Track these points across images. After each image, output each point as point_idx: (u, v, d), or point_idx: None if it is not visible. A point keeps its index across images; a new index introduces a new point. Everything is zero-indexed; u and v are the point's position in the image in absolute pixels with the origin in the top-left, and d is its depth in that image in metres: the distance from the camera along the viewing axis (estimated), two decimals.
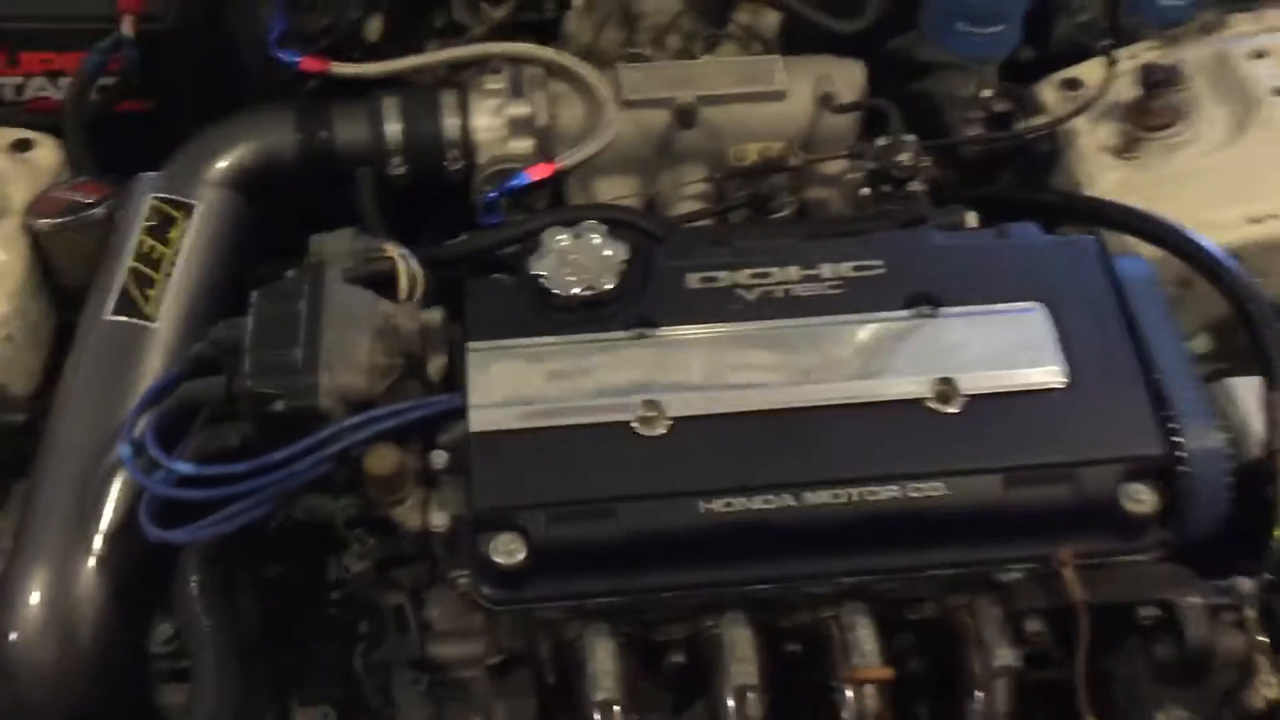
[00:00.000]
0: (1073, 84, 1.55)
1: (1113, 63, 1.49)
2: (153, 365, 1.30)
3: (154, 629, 1.25)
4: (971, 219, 1.34)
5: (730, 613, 1.12)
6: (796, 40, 1.72)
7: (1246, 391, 1.22)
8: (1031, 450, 1.09)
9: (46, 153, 1.51)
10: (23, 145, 1.51)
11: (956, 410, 1.11)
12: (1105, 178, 1.46)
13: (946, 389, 1.11)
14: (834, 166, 1.51)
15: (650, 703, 1.16)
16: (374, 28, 1.56)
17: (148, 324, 1.32)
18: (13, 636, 1.18)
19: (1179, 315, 1.41)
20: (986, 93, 1.55)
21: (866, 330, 1.15)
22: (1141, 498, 1.08)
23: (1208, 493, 1.10)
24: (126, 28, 1.50)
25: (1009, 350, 1.14)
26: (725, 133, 1.51)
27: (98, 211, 1.42)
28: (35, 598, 1.20)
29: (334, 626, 1.31)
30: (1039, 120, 1.51)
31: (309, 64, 1.49)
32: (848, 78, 1.53)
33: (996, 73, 1.55)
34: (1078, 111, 1.49)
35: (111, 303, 1.33)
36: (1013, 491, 1.08)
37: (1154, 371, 1.14)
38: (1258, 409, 1.19)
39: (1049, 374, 1.13)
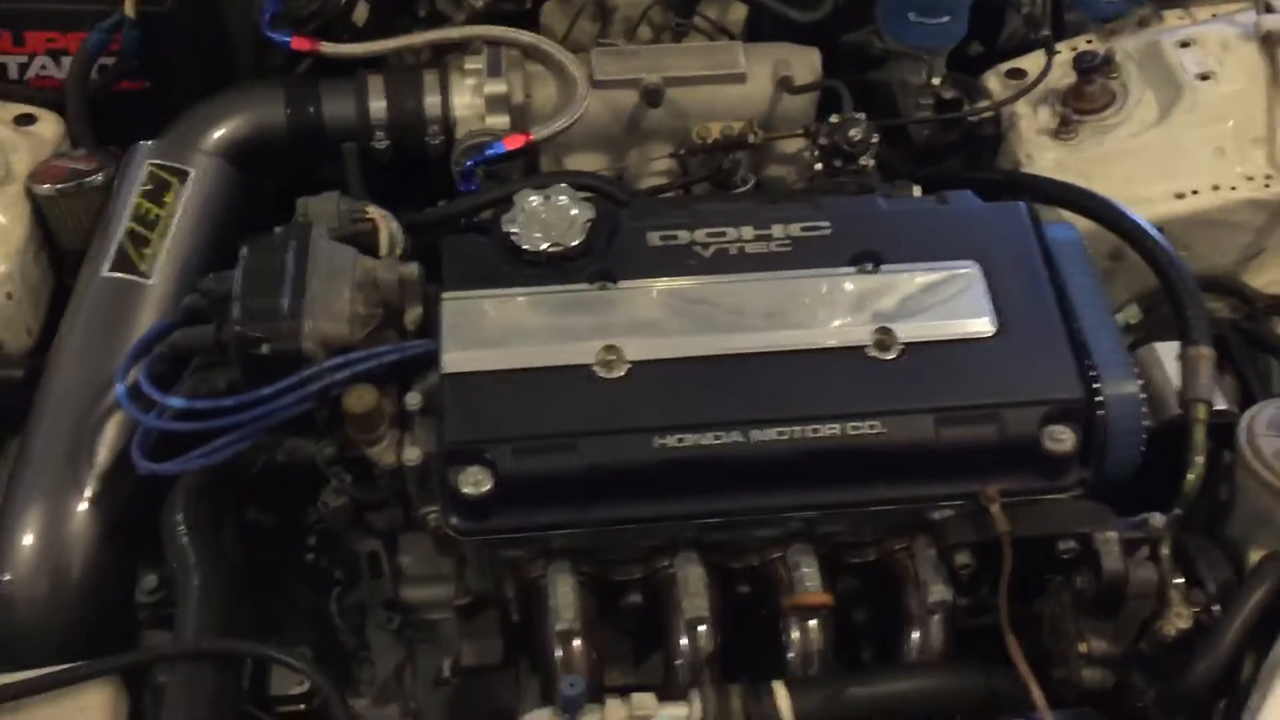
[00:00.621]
0: (1016, 73, 1.65)
1: (1050, 52, 1.58)
2: (147, 318, 1.38)
3: (140, 579, 1.30)
4: (917, 193, 1.44)
5: (684, 552, 1.21)
6: (761, 34, 1.82)
7: (1169, 355, 1.32)
8: (961, 393, 1.18)
9: (48, 126, 1.59)
10: (26, 119, 1.59)
11: (893, 357, 1.20)
12: (1044, 157, 1.56)
13: (885, 337, 1.20)
14: (791, 145, 1.61)
15: (612, 654, 1.24)
16: (361, 12, 1.65)
17: (143, 280, 1.40)
18: (6, 576, 1.25)
19: (1111, 286, 1.52)
20: (936, 81, 1.64)
21: (813, 284, 1.24)
22: (1062, 438, 1.17)
23: (1123, 434, 1.19)
24: (128, 9, 1.59)
25: (944, 303, 1.23)
26: (689, 112, 1.60)
27: (96, 178, 1.50)
28: (29, 538, 1.27)
29: (312, 572, 1.39)
30: (981, 106, 1.61)
31: (299, 44, 1.58)
32: (805, 62, 1.63)
33: (944, 62, 1.65)
34: (1016, 96, 1.59)
35: (109, 260, 1.41)
36: (943, 431, 1.17)
37: (1076, 324, 1.23)
38: (1178, 370, 1.29)
39: (979, 325, 1.22)
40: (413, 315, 1.28)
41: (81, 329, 1.38)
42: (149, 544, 1.28)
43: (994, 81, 1.67)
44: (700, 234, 1.28)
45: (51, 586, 1.27)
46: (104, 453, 1.30)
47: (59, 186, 1.49)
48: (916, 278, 1.24)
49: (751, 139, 1.56)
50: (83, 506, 1.28)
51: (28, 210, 1.50)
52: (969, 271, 1.25)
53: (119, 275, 1.40)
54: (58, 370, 1.36)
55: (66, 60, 1.63)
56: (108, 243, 1.42)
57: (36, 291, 1.50)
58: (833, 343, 1.21)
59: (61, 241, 1.53)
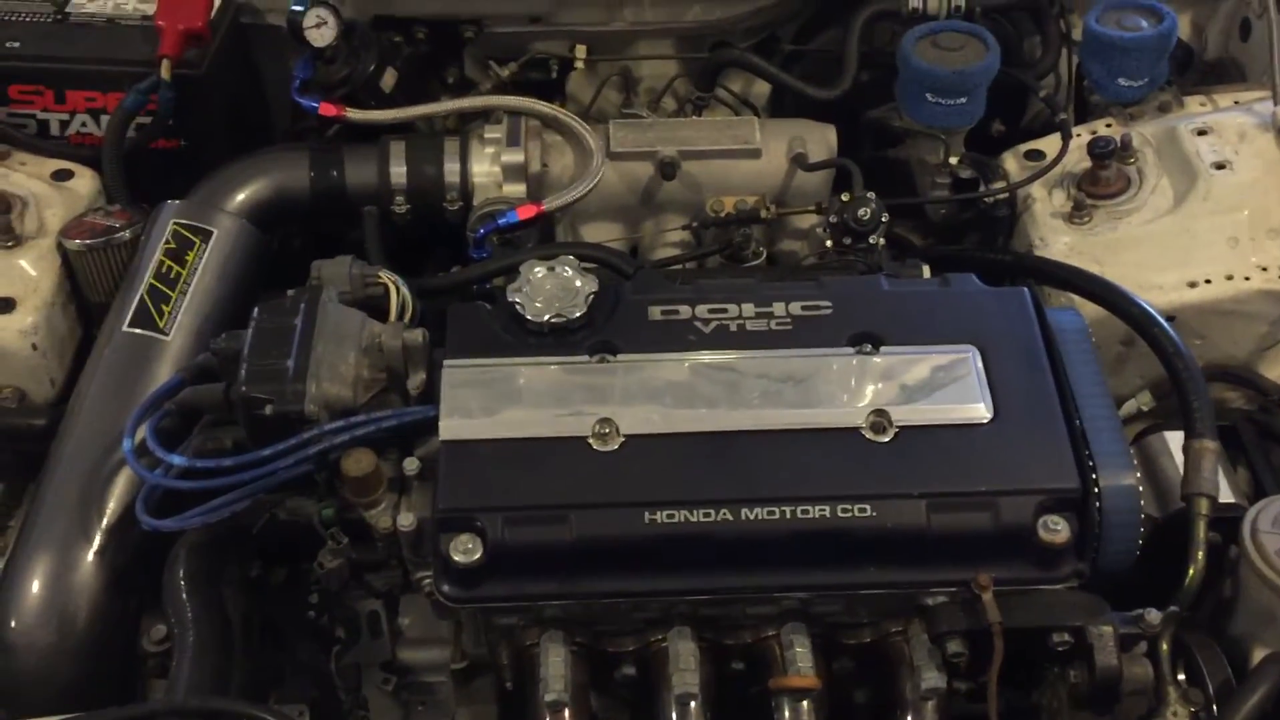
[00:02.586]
0: (1034, 155, 1.66)
1: (1066, 136, 1.58)
2: (162, 374, 1.41)
3: (149, 629, 1.32)
4: (926, 273, 1.44)
5: (677, 627, 1.20)
6: (784, 108, 1.85)
7: (1179, 444, 1.30)
8: (954, 479, 1.17)
9: (84, 183, 1.65)
10: (64, 175, 1.65)
11: (888, 440, 1.19)
12: (1057, 240, 1.56)
13: (880, 420, 1.20)
14: (804, 220, 1.62)
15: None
16: (389, 79, 1.69)
17: (161, 336, 1.44)
18: (13, 622, 1.28)
19: (1124, 372, 1.51)
20: (953, 160, 1.65)
21: (811, 363, 1.25)
22: (1057, 528, 1.15)
23: (1120, 527, 1.17)
24: (164, 72, 1.64)
25: (941, 387, 1.23)
26: (704, 185, 1.62)
27: (125, 234, 1.55)
28: (36, 586, 1.29)
29: (314, 629, 1.40)
30: (997, 187, 1.61)
31: (326, 109, 1.62)
32: (820, 139, 1.64)
33: (962, 141, 1.66)
34: (1031, 179, 1.59)
35: (129, 316, 1.45)
36: (936, 516, 1.16)
37: (1076, 412, 1.22)
38: None
39: (976, 410, 1.21)
40: (416, 381, 1.30)
41: (99, 382, 1.41)
42: (157, 595, 1.30)
43: (1012, 162, 1.67)
44: (701, 310, 1.29)
45: (56, 635, 1.29)
46: (113, 505, 1.33)
47: (88, 242, 1.54)
48: (915, 360, 1.24)
49: (764, 214, 1.58)
50: (90, 557, 1.31)
51: (57, 264, 1.55)
52: (968, 356, 1.24)
53: (138, 331, 1.44)
54: (74, 422, 1.40)
55: (105, 118, 1.69)
56: (129, 298, 1.46)
57: (62, 343, 1.54)
58: (828, 423, 1.20)
59: (89, 295, 1.57)
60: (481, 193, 1.60)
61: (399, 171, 1.61)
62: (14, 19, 1.71)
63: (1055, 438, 1.19)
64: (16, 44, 1.68)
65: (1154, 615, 1.16)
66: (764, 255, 1.58)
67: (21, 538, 1.34)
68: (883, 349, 1.26)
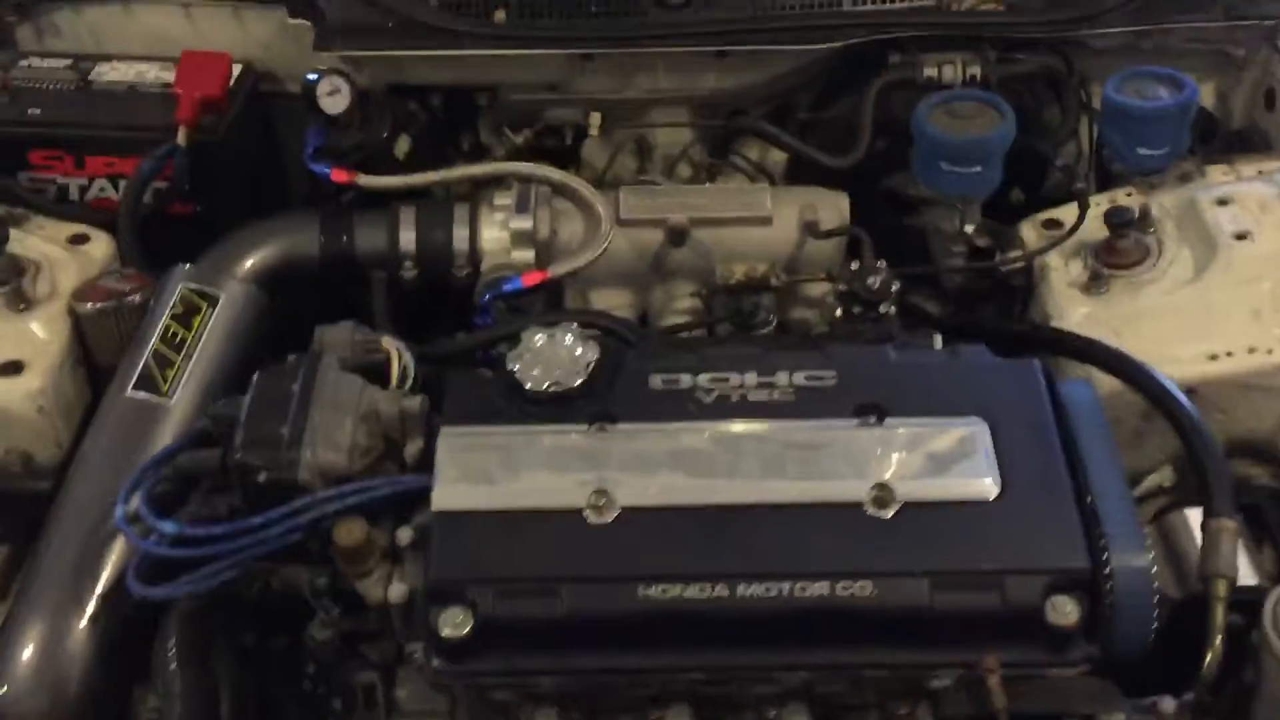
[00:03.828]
0: (1051, 224, 1.63)
1: (1083, 205, 1.56)
2: (164, 439, 1.40)
3: (143, 699, 1.31)
4: (938, 343, 1.41)
5: (675, 705, 1.17)
6: (801, 176, 1.84)
7: (1199, 522, 1.25)
8: (959, 557, 1.13)
9: (100, 246, 1.66)
10: (80, 239, 1.66)
11: (891, 515, 1.16)
12: (1074, 311, 1.52)
13: (883, 494, 1.17)
14: (815, 289, 1.60)
15: None
16: (403, 146, 1.70)
17: (163, 401, 1.44)
18: (4, 689, 1.26)
19: (1143, 447, 1.47)
20: (969, 228, 1.63)
21: (813, 435, 1.21)
22: (1066, 610, 1.11)
23: (1133, 609, 1.12)
24: (181, 138, 1.66)
25: (946, 461, 1.19)
26: (714, 252, 1.61)
27: (135, 298, 1.55)
28: (29, 652, 1.28)
29: (310, 700, 1.37)
30: (1014, 256, 1.59)
31: (338, 175, 1.63)
32: (832, 207, 1.63)
33: (979, 210, 1.63)
34: (1047, 248, 1.56)
35: (132, 380, 1.45)
36: (939, 595, 1.12)
37: (1087, 489, 1.18)
38: None
39: (982, 485, 1.17)
40: (413, 449, 1.28)
41: (99, 447, 1.41)
42: (146, 658, 1.28)
43: (1029, 231, 1.64)
44: (703, 379, 1.27)
45: (48, 703, 1.27)
46: (107, 572, 1.32)
47: (98, 305, 1.55)
48: (921, 433, 1.21)
49: (775, 282, 1.56)
50: (83, 625, 1.29)
51: (68, 327, 1.55)
52: (975, 429, 1.21)
53: (141, 395, 1.44)
54: (72, 486, 1.39)
55: (123, 183, 1.71)
56: (134, 362, 1.46)
57: (70, 406, 1.54)
58: (829, 497, 1.17)
59: (99, 358, 1.58)
60: (490, 259, 1.59)
61: (408, 237, 1.61)
62: (37, 86, 1.74)
63: (1065, 515, 1.15)
64: (38, 110, 1.71)
65: (1169, 704, 1.12)
66: (774, 323, 1.56)
67: (17, 603, 1.33)
68: (888, 421, 1.22)
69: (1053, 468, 1.18)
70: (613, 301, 1.62)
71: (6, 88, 1.72)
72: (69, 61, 1.79)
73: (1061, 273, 1.55)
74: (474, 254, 1.60)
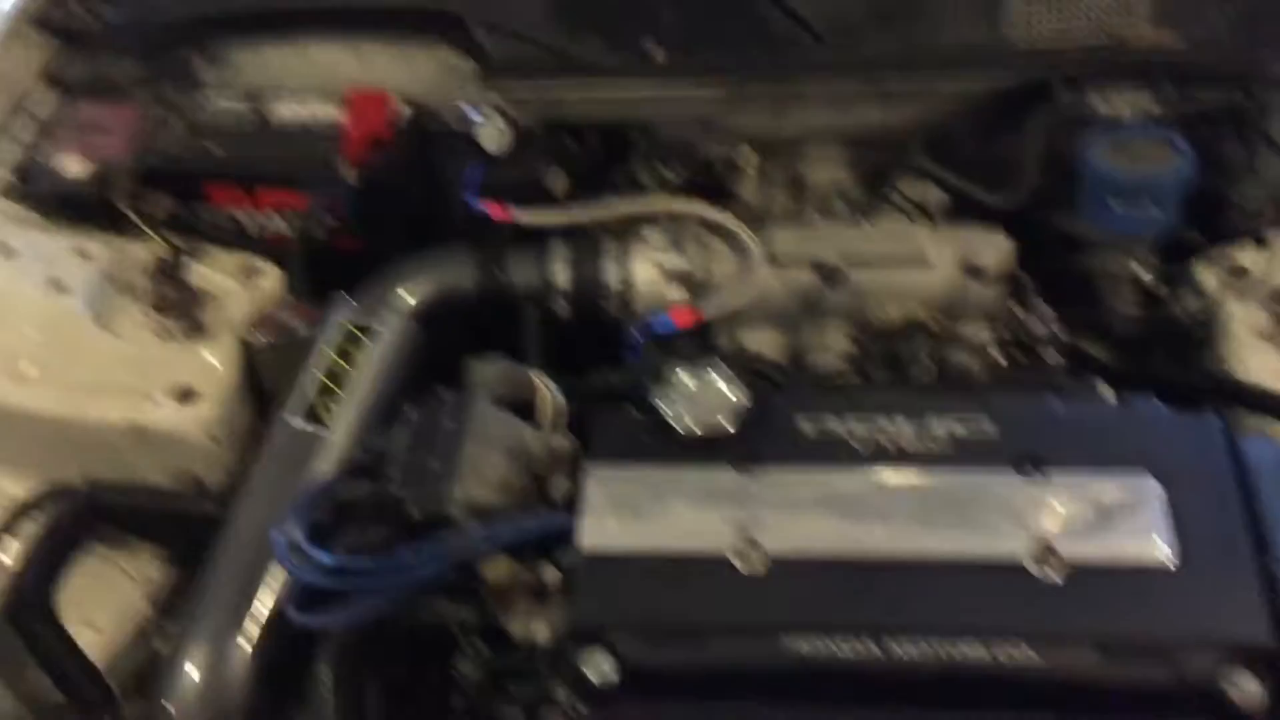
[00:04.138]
0: (1230, 267, 1.53)
1: (1264, 247, 1.46)
2: (324, 469, 1.44)
3: None
4: (1105, 392, 1.34)
5: None
6: (961, 213, 1.78)
7: None
8: (1129, 624, 1.07)
9: (270, 279, 1.72)
10: (252, 271, 1.73)
11: (1055, 576, 1.10)
12: (1257, 362, 1.43)
13: (1047, 553, 1.11)
14: (976, 333, 1.54)
15: None
16: (560, 184, 1.72)
17: (324, 432, 1.48)
18: (172, 709, 1.32)
19: None
20: (1141, 271, 1.55)
21: (972, 487, 1.17)
22: (1247, 687, 1.04)
23: None
24: (350, 176, 1.71)
25: (1116, 521, 1.13)
26: (870, 295, 1.57)
27: (303, 333, 1.60)
28: (194, 674, 1.33)
29: None
30: (1190, 301, 1.50)
31: (495, 212, 1.65)
32: (993, 248, 1.57)
33: (1151, 251, 1.55)
34: (1226, 294, 1.47)
35: (297, 411, 1.49)
36: (1107, 666, 1.06)
37: (1272, 557, 1.10)
38: None
39: (1156, 549, 1.11)
40: (561, 487, 1.28)
41: (263, 476, 1.46)
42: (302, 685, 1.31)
43: (1207, 275, 1.55)
44: (857, 425, 1.24)
45: None
46: (268, 599, 1.36)
47: (270, 337, 1.60)
48: (1088, 491, 1.15)
49: (933, 326, 1.51)
50: (244, 649, 1.34)
51: (239, 357, 1.61)
52: (1148, 488, 1.14)
53: (303, 426, 1.48)
54: (238, 515, 1.44)
55: (294, 217, 1.76)
56: (299, 394, 1.51)
57: (239, 434, 1.60)
58: (989, 555, 1.12)
59: (267, 388, 1.63)
60: (642, 296, 1.59)
61: (561, 272, 1.62)
62: (216, 123, 1.81)
63: (1246, 584, 1.08)
64: (217, 146, 1.77)
65: None
66: (933, 370, 1.51)
67: (184, 625, 1.38)
68: (1052, 476, 1.17)
69: (1234, 532, 1.11)
70: (762, 342, 1.60)
71: (190, 126, 1.80)
72: (246, 98, 1.86)
73: (1243, 320, 1.47)
74: (626, 290, 1.60)
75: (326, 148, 1.77)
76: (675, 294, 1.57)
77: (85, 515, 1.54)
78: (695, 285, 1.58)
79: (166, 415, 1.53)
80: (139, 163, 1.72)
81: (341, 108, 1.81)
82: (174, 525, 1.56)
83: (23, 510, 1.52)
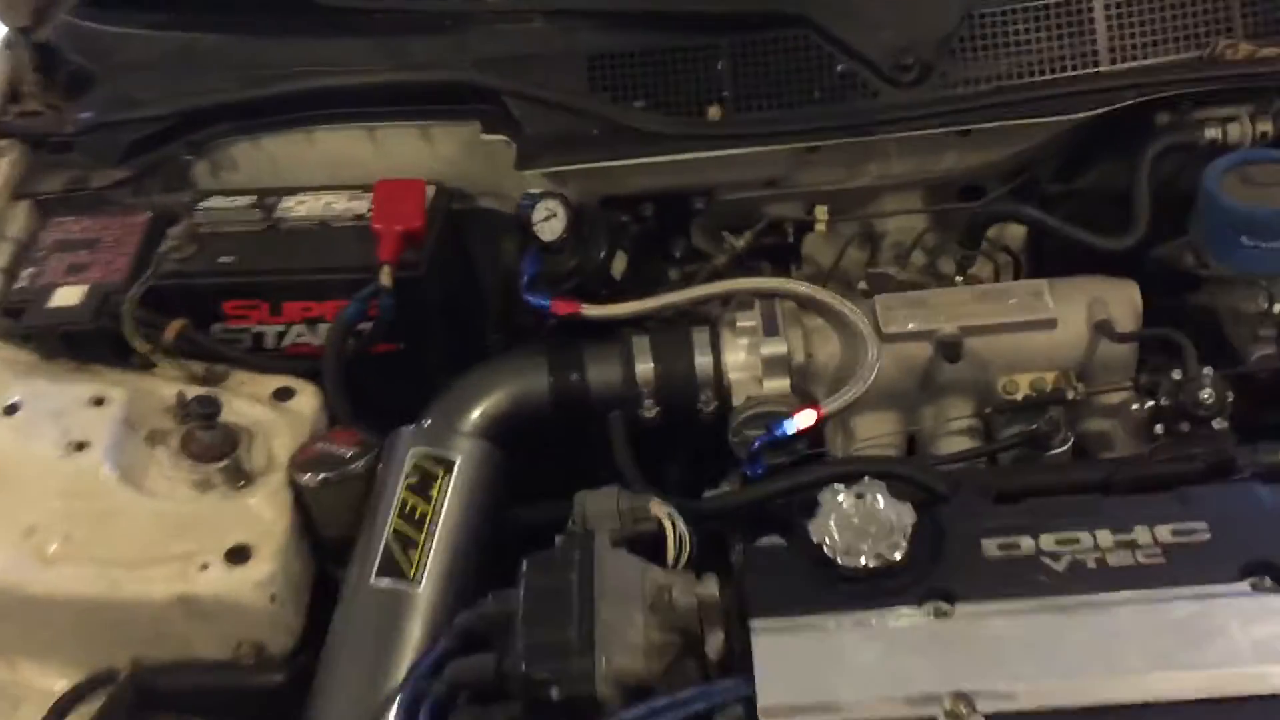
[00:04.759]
0: None
1: None
2: (416, 630, 1.27)
3: None
4: None
5: None
6: (1045, 251, 1.64)
7: None
8: None
9: (306, 400, 1.52)
10: (285, 394, 1.53)
11: None
12: None
13: None
14: (1114, 397, 1.40)
15: None
16: (619, 265, 1.55)
17: (411, 587, 1.30)
18: None
19: None
20: (1278, 310, 1.42)
21: (1202, 607, 1.03)
22: None
23: None
24: (385, 278, 1.52)
25: None
26: (992, 364, 1.42)
27: (359, 466, 1.42)
28: None
29: None
30: None
31: (560, 307, 1.48)
32: (1123, 300, 1.43)
33: None
34: None
35: (375, 565, 1.31)
36: None
37: None
38: None
39: None
40: (714, 643, 1.12)
41: (350, 646, 1.28)
42: None
43: None
44: (1047, 541, 1.09)
45: None
46: None
47: (322, 476, 1.41)
48: None
49: (1071, 395, 1.37)
50: None
51: (290, 501, 1.42)
52: None
53: (386, 582, 1.30)
54: (326, 690, 1.26)
55: (322, 326, 1.58)
56: (374, 543, 1.33)
57: (299, 588, 1.41)
58: (1235, 689, 0.98)
59: (324, 531, 1.45)
60: (740, 389, 1.42)
61: (645, 370, 1.45)
62: (225, 231, 1.62)
63: None
64: (229, 258, 1.58)
65: None
66: (1071, 442, 1.37)
67: None
68: None
69: None
70: (878, 428, 1.44)
71: (194, 237, 1.61)
72: (252, 199, 1.67)
73: None
74: (720, 385, 1.43)
75: (351, 248, 1.59)
76: (777, 385, 1.41)
77: (134, 704, 1.35)
78: (799, 373, 1.42)
79: (217, 580, 1.33)
80: (142, 285, 1.52)
81: (356, 198, 1.63)
82: (239, 701, 1.38)
83: (62, 707, 1.33)
